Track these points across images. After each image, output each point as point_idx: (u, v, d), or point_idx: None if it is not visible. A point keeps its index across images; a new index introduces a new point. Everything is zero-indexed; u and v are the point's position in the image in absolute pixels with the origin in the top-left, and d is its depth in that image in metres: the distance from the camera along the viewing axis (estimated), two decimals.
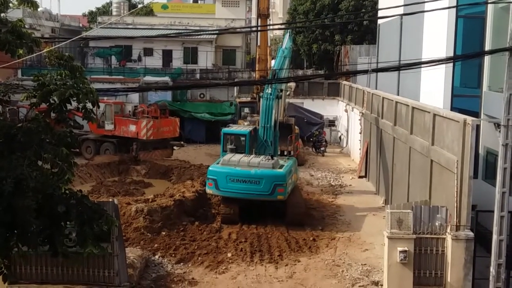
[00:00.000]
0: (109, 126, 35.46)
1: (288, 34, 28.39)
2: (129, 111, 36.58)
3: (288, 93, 43.21)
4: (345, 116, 41.42)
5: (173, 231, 21.48)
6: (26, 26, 11.79)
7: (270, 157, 23.76)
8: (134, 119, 35.13)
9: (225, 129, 26.13)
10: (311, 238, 21.27)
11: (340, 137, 43.94)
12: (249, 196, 22.89)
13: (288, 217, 23.22)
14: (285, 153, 27.14)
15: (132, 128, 34.69)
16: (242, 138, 25.10)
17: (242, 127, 26.84)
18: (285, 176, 22.88)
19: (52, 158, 10.20)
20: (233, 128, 26.80)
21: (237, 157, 23.69)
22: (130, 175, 31.87)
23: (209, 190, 23.64)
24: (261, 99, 25.89)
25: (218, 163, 23.83)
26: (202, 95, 45.93)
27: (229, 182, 22.79)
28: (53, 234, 10.13)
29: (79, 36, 32.69)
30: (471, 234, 15.31)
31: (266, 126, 24.99)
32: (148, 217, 21.49)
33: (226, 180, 22.83)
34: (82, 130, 36.91)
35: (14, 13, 12.68)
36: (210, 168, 23.64)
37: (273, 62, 27.91)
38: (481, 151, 21.25)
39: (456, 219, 15.42)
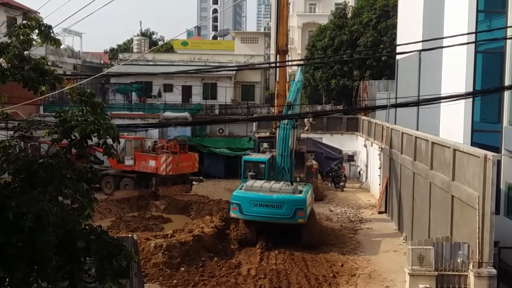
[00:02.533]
0: (129, 162, 35.68)
1: (299, 68, 30.36)
2: (149, 147, 36.82)
3: (306, 128, 43.51)
4: (364, 151, 41.29)
5: (192, 267, 21.39)
6: (49, 63, 11.97)
7: (290, 183, 25.51)
8: (153, 155, 35.33)
9: (245, 157, 27.58)
10: (331, 275, 21.04)
11: (359, 172, 43.72)
12: (271, 219, 24.44)
13: (303, 240, 24.49)
14: (298, 179, 28.14)
15: (152, 163, 34.87)
16: (262, 165, 26.81)
17: (261, 155, 28.22)
18: (305, 200, 24.57)
19: (72, 194, 10.25)
20: (253, 156, 28.17)
21: (258, 183, 25.35)
22: (149, 210, 31.92)
23: (233, 214, 25.01)
24: (277, 129, 27.27)
25: (241, 189, 25.10)
26: (221, 130, 46.14)
27: (253, 207, 24.42)
28: (73, 269, 10.11)
29: (101, 73, 33.21)
30: (494, 271, 15.07)
31: (284, 154, 26.81)
32: (167, 252, 21.45)
33: (250, 205, 24.45)
34: (102, 166, 37.23)
35: (38, 51, 12.95)
36: (234, 194, 25.08)
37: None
38: (502, 187, 21.04)
39: (478, 256, 15.20)
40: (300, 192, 25.15)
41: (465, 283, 15.30)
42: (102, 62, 68.28)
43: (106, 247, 10.34)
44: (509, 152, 20.30)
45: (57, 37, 11.26)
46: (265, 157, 27.49)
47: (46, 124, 12.66)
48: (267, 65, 56.17)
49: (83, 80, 31.83)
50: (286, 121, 26.57)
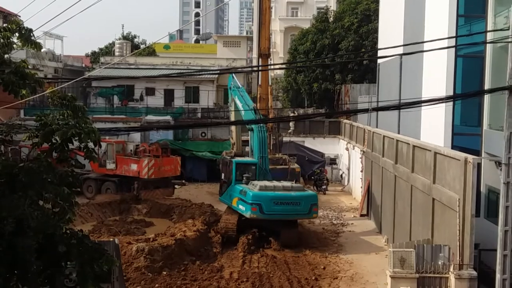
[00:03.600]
0: (110, 165, 35.48)
1: (231, 76, 31.99)
2: (131, 150, 36.64)
3: (290, 130, 43.87)
4: (346, 154, 41.48)
5: (174, 271, 21.32)
6: (30, 67, 11.91)
7: (294, 181, 27.35)
8: (135, 158, 35.17)
9: (236, 160, 27.99)
10: (313, 278, 21.09)
11: (341, 175, 43.91)
12: (290, 216, 25.61)
13: (283, 238, 25.31)
14: None
15: (134, 167, 34.70)
16: (253, 167, 27.35)
17: (247, 157, 28.97)
18: (317, 197, 26.47)
19: (53, 198, 10.19)
20: (244, 158, 28.92)
21: (268, 183, 26.08)
22: (131, 214, 31.77)
23: (253, 215, 25.21)
24: (251, 132, 28.32)
25: (255, 190, 25.36)
26: (203, 134, 46.10)
27: (273, 205, 25.02)
28: (54, 274, 10.04)
29: (83, 77, 33.16)
30: (474, 273, 15.21)
31: (264, 156, 27.79)
32: (149, 256, 21.35)
33: (271, 204, 25.00)
34: (83, 170, 36.77)
35: (18, 54, 12.85)
36: (253, 194, 25.19)
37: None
38: (482, 189, 21.24)
39: (459, 258, 15.34)
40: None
41: (446, 285, 15.43)
42: (83, 65, 67.91)
43: (87, 252, 10.29)
44: (489, 155, 20.51)
45: (38, 40, 11.21)
46: (253, 159, 28.08)
47: (26, 128, 12.56)
48: (250, 69, 56.18)
49: (64, 84, 31.55)
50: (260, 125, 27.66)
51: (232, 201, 26.78)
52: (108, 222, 29.19)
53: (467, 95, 21.61)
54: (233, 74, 32.24)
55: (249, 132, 28.89)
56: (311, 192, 26.79)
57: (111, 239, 16.98)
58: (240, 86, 31.33)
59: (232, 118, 31.86)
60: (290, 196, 25.34)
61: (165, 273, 21.00)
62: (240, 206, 25.88)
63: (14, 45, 11.36)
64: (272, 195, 25.15)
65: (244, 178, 26.76)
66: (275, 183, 26.21)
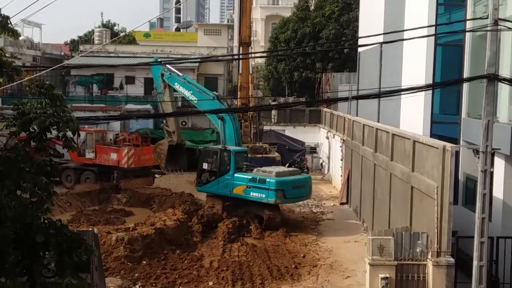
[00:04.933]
0: (90, 155, 35.27)
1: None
2: (110, 139, 36.44)
3: (273, 117, 43.88)
4: (326, 143, 41.62)
5: (154, 260, 21.27)
6: (7, 55, 11.73)
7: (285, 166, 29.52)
8: (115, 147, 34.98)
9: (234, 148, 27.88)
10: (293, 266, 21.18)
11: (321, 164, 44.07)
12: (300, 199, 28.50)
13: (267, 222, 26.11)
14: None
15: (113, 156, 34.52)
16: (244, 155, 28.41)
17: (234, 147, 28.61)
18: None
19: (31, 187, 10.10)
20: (236, 148, 28.59)
21: (279, 169, 27.50)
22: (110, 203, 31.64)
23: (278, 201, 26.23)
24: (221, 121, 28.48)
25: (274, 176, 26.09)
26: (184, 123, 45.87)
27: (293, 190, 26.45)
28: (32, 264, 9.99)
29: (60, 64, 32.81)
30: (452, 260, 15.38)
31: (240, 143, 28.89)
32: (129, 246, 21.27)
33: (291, 188, 26.35)
34: (62, 159, 36.70)
35: None
36: (276, 181, 25.85)
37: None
38: (460, 177, 21.47)
39: (437, 245, 15.49)
40: None
41: (424, 272, 15.58)
42: (62, 53, 67.18)
43: (66, 241, 10.23)
44: (468, 143, 20.70)
45: (16, 28, 11.05)
46: (244, 147, 29.19)
47: (4, 117, 12.41)
48: (230, 57, 56.06)
49: (42, 72, 31.20)
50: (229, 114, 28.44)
51: (233, 190, 26.80)
52: (87, 212, 29.02)
53: (446, 83, 21.75)
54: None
55: (219, 121, 28.62)
56: (308, 175, 29.10)
57: (90, 229, 16.90)
58: (181, 74, 30.89)
59: (166, 107, 30.96)
60: (300, 179, 27.21)
61: (145, 262, 20.95)
62: (255, 194, 26.20)
63: None
64: (291, 180, 26.52)
65: (244, 167, 27.32)
66: (284, 168, 27.87)
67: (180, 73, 30.99)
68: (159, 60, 32.84)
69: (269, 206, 26.34)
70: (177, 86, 30.22)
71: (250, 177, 26.53)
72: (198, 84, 31.76)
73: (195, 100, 29.44)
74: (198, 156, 29.79)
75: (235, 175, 26.93)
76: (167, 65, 30.79)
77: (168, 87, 30.70)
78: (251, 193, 26.39)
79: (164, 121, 32.59)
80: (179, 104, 47.93)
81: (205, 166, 28.00)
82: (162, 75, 30.36)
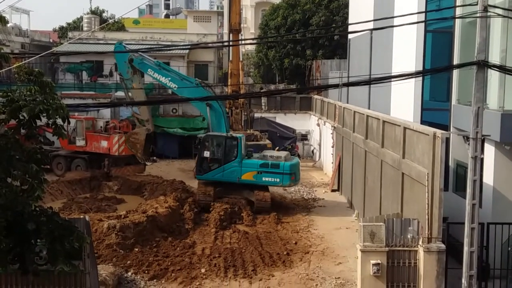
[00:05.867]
0: (80, 142, 35.14)
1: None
2: (101, 127, 36.29)
3: (263, 105, 43.83)
4: (317, 130, 41.66)
5: (146, 247, 21.28)
6: None
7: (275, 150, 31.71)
8: (105, 135, 34.86)
9: (240, 135, 28.55)
10: (284, 252, 21.26)
11: (312, 151, 44.14)
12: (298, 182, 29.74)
13: (257, 203, 26.87)
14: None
15: (104, 143, 34.42)
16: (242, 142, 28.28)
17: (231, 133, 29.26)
18: None
19: (21, 175, 10.07)
20: (239, 134, 29.40)
21: (284, 153, 29.08)
22: (102, 191, 31.53)
23: (291, 184, 27.99)
24: (209, 108, 28.49)
25: (284, 160, 27.35)
26: (174, 110, 45.76)
27: (298, 171, 28.21)
28: (23, 252, 9.98)
29: (49, 51, 32.55)
30: (443, 246, 15.47)
31: (229, 130, 29.21)
32: (121, 233, 21.26)
33: (298, 171, 28.43)
34: (52, 146, 36.56)
35: None
36: (290, 164, 27.26)
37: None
38: (451, 164, 21.53)
39: (428, 231, 15.57)
40: None
41: (415, 258, 15.67)
42: (51, 40, 66.70)
43: (58, 229, 10.23)
44: (458, 130, 20.77)
45: (4, 15, 10.96)
46: (241, 134, 29.42)
47: None
48: (220, 44, 55.85)
49: (31, 59, 30.96)
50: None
51: (242, 176, 27.22)
52: (79, 200, 28.94)
53: (436, 70, 21.72)
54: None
55: (207, 108, 28.48)
56: (297, 159, 30.00)
57: (82, 216, 16.87)
58: (153, 59, 30.20)
59: (136, 94, 30.06)
60: (299, 163, 29.01)
61: (137, 249, 20.95)
62: (268, 179, 27.08)
63: None
64: (297, 163, 28.33)
65: (247, 153, 28.11)
66: (285, 152, 29.35)
67: (153, 59, 30.19)
68: (123, 44, 31.22)
69: (259, 189, 27.25)
70: (150, 72, 29.40)
71: (261, 162, 27.16)
72: (175, 71, 31.31)
73: (174, 87, 29.06)
74: (198, 144, 29.25)
75: (245, 161, 27.33)
76: (143, 55, 29.87)
77: (137, 72, 29.79)
78: (263, 178, 27.11)
79: (135, 110, 31.73)
80: (170, 91, 47.93)
81: (206, 154, 27.75)
82: (131, 60, 29.22)
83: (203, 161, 27.82)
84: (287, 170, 26.90)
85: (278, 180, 27.00)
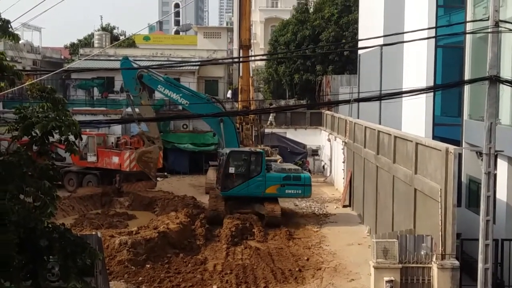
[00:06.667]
0: (91, 158, 35.23)
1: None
2: (112, 143, 36.40)
3: (269, 123, 43.88)
4: (328, 146, 41.56)
5: (158, 264, 21.23)
6: (8, 59, 11.71)
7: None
8: (117, 151, 34.95)
9: (262, 150, 29.44)
10: (296, 269, 21.12)
11: (323, 167, 44.01)
12: None
13: (268, 216, 27.09)
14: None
15: (115, 159, 34.49)
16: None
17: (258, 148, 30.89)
18: None
19: (34, 192, 10.06)
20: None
21: (292, 165, 30.73)
22: (113, 207, 31.57)
23: (310, 194, 29.05)
24: (222, 124, 28.94)
25: (302, 173, 28.98)
26: (185, 126, 45.87)
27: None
28: (36, 268, 9.95)
29: (62, 69, 32.73)
30: (457, 262, 15.33)
31: (239, 145, 29.90)
32: (132, 249, 21.24)
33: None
34: (64, 162, 36.65)
35: None
36: (308, 176, 28.89)
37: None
38: (464, 179, 21.41)
39: (442, 248, 15.45)
40: None
41: (429, 275, 15.54)
42: (62, 57, 67.20)
43: (70, 245, 10.19)
44: (470, 145, 20.66)
45: (16, 32, 11.03)
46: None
47: (5, 121, 12.39)
48: (231, 60, 56.05)
49: (43, 76, 31.17)
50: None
51: (267, 189, 27.81)
52: (90, 216, 28.98)
53: (447, 85, 21.71)
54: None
55: (221, 124, 28.85)
56: None
57: (94, 233, 16.85)
58: (162, 75, 30.05)
59: (145, 111, 30.02)
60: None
61: (148, 266, 20.91)
62: (291, 191, 28.09)
63: None
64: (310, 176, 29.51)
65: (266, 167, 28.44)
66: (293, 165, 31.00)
67: (162, 75, 30.01)
68: (130, 59, 31.12)
69: (269, 202, 27.78)
70: (161, 88, 29.38)
71: (284, 175, 27.98)
72: (185, 86, 31.33)
73: (186, 103, 29.08)
74: (220, 160, 29.13)
75: (268, 175, 27.90)
76: (152, 71, 29.76)
77: (145, 89, 29.57)
78: (286, 191, 28.06)
79: (143, 128, 31.42)
80: (180, 107, 48.07)
81: (232, 170, 27.91)
82: (141, 76, 29.04)
83: (228, 177, 27.95)
84: (308, 182, 28.15)
85: (300, 191, 28.05)
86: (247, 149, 29.27)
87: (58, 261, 10.19)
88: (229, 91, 53.83)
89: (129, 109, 44.10)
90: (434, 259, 15.46)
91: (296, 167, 30.32)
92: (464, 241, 16.60)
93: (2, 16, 10.40)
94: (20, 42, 47.83)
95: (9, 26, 10.45)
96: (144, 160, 30.62)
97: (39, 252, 9.96)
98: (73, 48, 69.86)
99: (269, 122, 45.17)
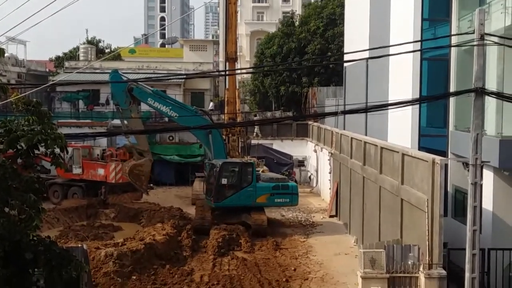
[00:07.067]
0: (77, 170, 35.02)
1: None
2: (98, 155, 36.23)
3: (255, 134, 43.90)
4: (314, 156, 41.65)
5: (144, 275, 21.08)
6: None
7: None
8: (102, 163, 34.77)
9: (253, 161, 30.35)
10: (284, 279, 21.08)
11: (310, 177, 44.07)
12: None
13: (254, 225, 27.41)
14: None
15: (101, 171, 34.32)
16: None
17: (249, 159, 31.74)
18: None
19: (19, 205, 10.00)
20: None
21: (276, 175, 31.34)
22: (99, 219, 31.37)
23: (296, 202, 29.46)
24: (210, 135, 28.99)
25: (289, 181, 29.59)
26: (171, 138, 45.73)
27: None
28: (21, 282, 9.87)
29: (50, 83, 32.66)
30: (444, 272, 15.38)
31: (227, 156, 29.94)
32: (118, 261, 21.08)
33: None
34: (49, 174, 36.41)
35: None
36: (296, 185, 29.67)
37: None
38: (450, 189, 21.52)
39: (429, 258, 15.50)
40: None
41: (416, 285, 15.57)
42: (47, 70, 66.89)
43: (55, 258, 10.13)
44: (455, 156, 20.79)
45: (1, 46, 10.99)
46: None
47: None
48: (217, 73, 56.12)
49: (30, 91, 30.96)
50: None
51: (257, 199, 28.20)
52: (76, 227, 28.74)
53: (433, 97, 21.85)
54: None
55: (209, 135, 28.91)
56: None
57: (79, 245, 16.73)
58: (151, 88, 29.97)
59: (135, 124, 29.50)
60: None
61: (134, 277, 20.76)
62: (280, 200, 28.55)
63: None
64: None
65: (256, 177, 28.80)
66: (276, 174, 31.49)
67: (150, 88, 29.93)
68: (119, 73, 30.91)
69: (256, 211, 28.07)
70: (150, 101, 29.12)
71: (273, 184, 28.46)
72: (173, 99, 31.32)
73: (175, 115, 29.01)
74: (212, 172, 28.94)
75: (257, 185, 28.25)
76: (141, 84, 29.45)
77: (135, 102, 29.38)
78: (276, 200, 28.51)
79: (132, 141, 31.10)
80: (166, 119, 47.96)
81: (224, 181, 28.00)
82: (131, 89, 28.68)
83: (221, 189, 27.99)
84: (295, 190, 28.77)
85: (288, 200, 28.48)
86: (238, 160, 29.54)
87: (44, 273, 10.13)
88: (211, 103, 53.83)
89: (114, 122, 44.03)
90: (421, 268, 15.50)
91: (283, 176, 30.83)
92: (451, 250, 16.65)
93: None
94: (4, 55, 47.36)
95: None
96: (136, 173, 30.26)
97: (24, 265, 9.89)
98: (58, 61, 69.61)
99: (255, 133, 45.20)
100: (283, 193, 28.41)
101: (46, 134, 10.57)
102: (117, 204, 33.35)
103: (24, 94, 33.20)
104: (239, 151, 33.78)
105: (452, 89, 22.23)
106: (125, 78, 30.20)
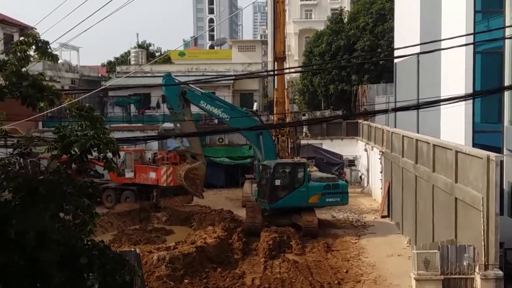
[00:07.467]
0: (129, 174, 35.56)
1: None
2: (149, 158, 36.72)
3: (304, 134, 43.76)
4: (365, 156, 41.19)
5: (196, 279, 21.24)
6: (47, 79, 11.92)
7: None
8: (154, 166, 35.21)
9: (304, 161, 30.26)
10: (336, 282, 20.90)
11: (360, 177, 43.61)
12: None
13: (305, 226, 27.46)
14: None
15: (152, 175, 34.76)
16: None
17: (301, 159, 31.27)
18: None
19: (74, 210, 10.17)
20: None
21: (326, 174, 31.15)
22: (151, 222, 31.76)
23: (346, 201, 29.44)
24: (261, 136, 29.19)
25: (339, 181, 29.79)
26: (221, 140, 46.00)
27: None
28: (76, 286, 10.03)
29: (102, 87, 33.20)
30: (500, 273, 14.98)
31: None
32: (170, 265, 21.30)
33: None
34: (102, 179, 37.09)
35: (35, 66, 12.86)
36: (346, 184, 30.10)
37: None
38: (505, 187, 20.95)
39: (484, 258, 15.11)
40: None
41: (472, 286, 15.21)
42: (99, 75, 68.30)
43: (109, 262, 10.25)
44: (511, 152, 20.22)
45: (54, 52, 11.21)
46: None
47: (45, 140, 12.57)
48: (266, 74, 56.16)
49: (83, 96, 31.67)
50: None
51: (309, 199, 28.32)
52: (129, 231, 29.16)
53: (487, 92, 21.32)
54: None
55: (260, 136, 29.07)
56: None
57: (132, 249, 16.97)
58: (202, 91, 30.12)
59: (188, 127, 29.53)
60: None
61: (186, 281, 20.94)
62: (331, 199, 28.74)
63: (31, 58, 11.38)
64: None
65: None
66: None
67: (201, 90, 30.12)
68: (172, 76, 30.86)
69: (306, 212, 28.12)
70: (203, 104, 29.36)
71: (324, 184, 28.58)
72: (224, 101, 31.45)
73: (227, 117, 29.13)
74: (260, 173, 29.51)
75: (309, 185, 28.33)
76: (194, 87, 29.71)
77: (189, 105, 29.48)
78: (327, 199, 28.66)
79: (186, 145, 31.28)
80: (216, 121, 48.25)
81: (278, 182, 28.18)
82: (184, 92, 28.88)
83: (275, 190, 28.18)
84: (345, 189, 28.96)
85: (338, 199, 28.60)
86: (290, 160, 29.62)
87: (98, 278, 10.27)
88: (255, 103, 53.91)
89: (165, 125, 44.59)
90: (477, 269, 15.12)
91: (332, 175, 30.79)
92: (508, 250, 16.19)
93: (41, 38, 10.60)
94: (58, 62, 48.57)
95: (48, 47, 10.63)
96: (191, 177, 30.35)
97: (79, 269, 10.04)
98: (110, 66, 71.02)
99: (304, 133, 45.00)
100: (334, 193, 28.45)
101: (99, 138, 10.72)
102: (168, 207, 33.71)
103: (77, 99, 33.97)
104: (289, 151, 33.69)
105: (506, 82, 21.67)
106: (177, 81, 30.44)
